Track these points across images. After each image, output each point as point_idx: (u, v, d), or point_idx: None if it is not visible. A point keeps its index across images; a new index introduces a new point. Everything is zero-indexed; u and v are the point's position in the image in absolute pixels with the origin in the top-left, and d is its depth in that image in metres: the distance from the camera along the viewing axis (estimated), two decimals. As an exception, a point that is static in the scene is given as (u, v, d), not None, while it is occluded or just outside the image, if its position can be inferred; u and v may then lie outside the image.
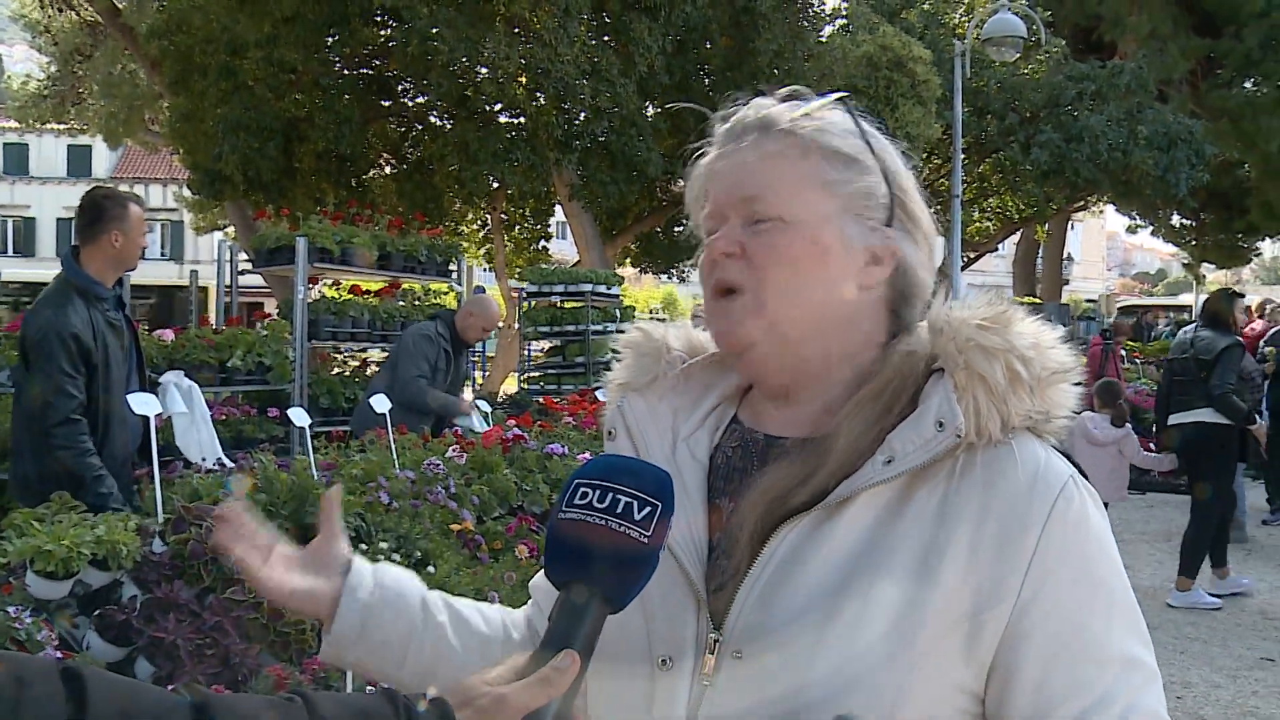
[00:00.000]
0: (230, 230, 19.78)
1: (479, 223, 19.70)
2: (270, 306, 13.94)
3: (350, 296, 8.24)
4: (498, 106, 13.60)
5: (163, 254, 39.29)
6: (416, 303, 8.75)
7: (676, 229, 17.26)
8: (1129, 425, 7.30)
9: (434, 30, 11.53)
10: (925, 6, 20.76)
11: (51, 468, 3.61)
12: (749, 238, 1.08)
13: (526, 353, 12.08)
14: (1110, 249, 73.58)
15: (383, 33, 13.84)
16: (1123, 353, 12.48)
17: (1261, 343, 9.72)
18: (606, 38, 13.28)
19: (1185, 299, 34.03)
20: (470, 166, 13.13)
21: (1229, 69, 20.15)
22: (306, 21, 12.28)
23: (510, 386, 13.62)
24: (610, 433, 1.18)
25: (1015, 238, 26.94)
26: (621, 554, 0.91)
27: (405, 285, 8.69)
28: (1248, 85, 20.35)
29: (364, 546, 3.25)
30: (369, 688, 1.78)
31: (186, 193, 19.59)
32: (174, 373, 4.27)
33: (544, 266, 12.66)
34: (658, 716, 1.04)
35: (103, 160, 39.11)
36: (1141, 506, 9.37)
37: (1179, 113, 19.29)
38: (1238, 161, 21.46)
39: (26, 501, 3.33)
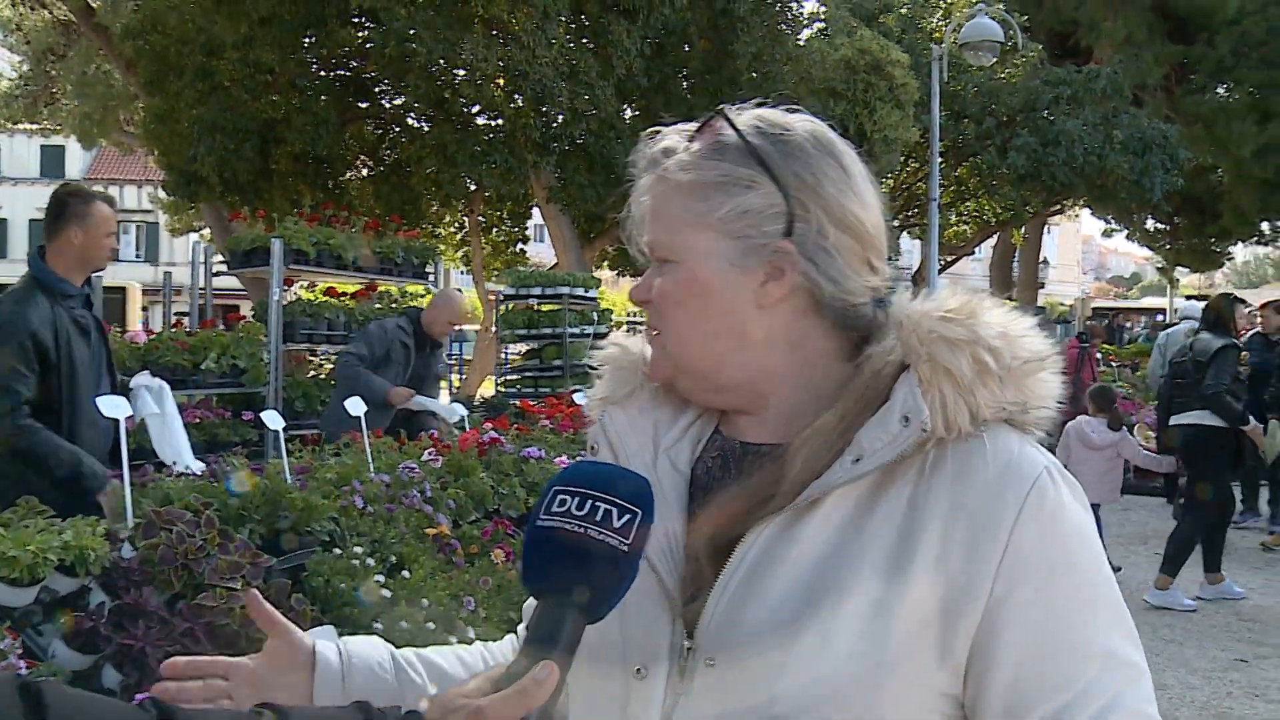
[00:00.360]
0: (206, 232, 19.63)
1: (456, 225, 19.63)
2: (246, 309, 13.84)
3: (326, 299, 8.18)
4: (475, 108, 13.57)
5: (138, 256, 39.07)
6: (393, 305, 8.68)
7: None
8: (1125, 428, 7.36)
9: (411, 32, 11.49)
10: (903, 10, 20.88)
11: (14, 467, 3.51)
12: (657, 279, 1.09)
13: (504, 355, 12.03)
14: (1085, 253, 74.24)
15: (360, 34, 13.78)
16: (1098, 355, 12.55)
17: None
18: (585, 40, 13.25)
19: (1160, 302, 34.35)
20: (448, 168, 13.09)
21: (1202, 75, 20.37)
22: (283, 22, 12.21)
23: (487, 389, 13.55)
24: (593, 448, 1.16)
25: (992, 241, 27.08)
26: (600, 561, 0.89)
27: (382, 287, 8.63)
28: (1220, 91, 20.60)
29: (338, 551, 3.22)
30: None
31: (161, 194, 19.43)
32: (143, 374, 4.19)
33: (521, 269, 12.63)
34: (632, 726, 1.02)
35: (76, 161, 38.80)
36: (1117, 509, 9.39)
37: (1154, 118, 19.49)
38: (1211, 166, 21.67)
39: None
